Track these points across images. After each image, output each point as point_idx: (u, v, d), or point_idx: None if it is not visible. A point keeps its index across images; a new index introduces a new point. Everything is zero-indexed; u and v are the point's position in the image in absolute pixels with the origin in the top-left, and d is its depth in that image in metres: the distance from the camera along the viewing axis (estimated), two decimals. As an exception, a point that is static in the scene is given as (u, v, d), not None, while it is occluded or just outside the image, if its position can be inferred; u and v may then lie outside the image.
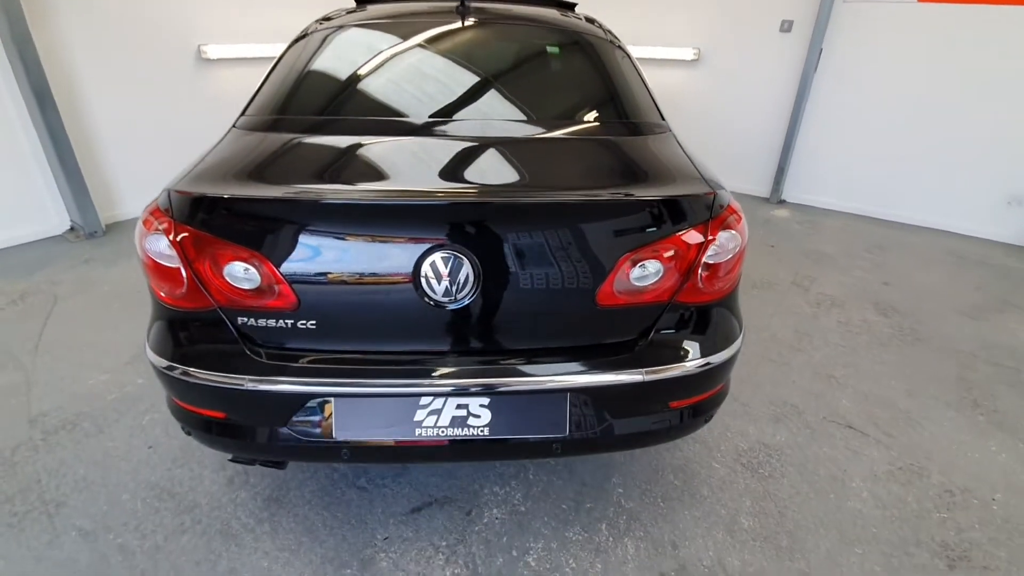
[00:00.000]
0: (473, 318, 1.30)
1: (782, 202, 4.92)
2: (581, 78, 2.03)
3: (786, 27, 4.47)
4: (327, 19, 2.15)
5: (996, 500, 1.89)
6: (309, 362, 1.30)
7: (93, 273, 3.32)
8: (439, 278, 1.22)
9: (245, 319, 1.29)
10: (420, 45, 2.00)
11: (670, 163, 1.54)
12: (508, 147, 1.57)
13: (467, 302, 1.26)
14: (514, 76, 1.97)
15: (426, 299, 1.25)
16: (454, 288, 1.24)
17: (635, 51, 5.31)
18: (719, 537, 1.72)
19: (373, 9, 2.21)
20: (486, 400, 1.31)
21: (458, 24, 2.02)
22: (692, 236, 1.32)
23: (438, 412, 1.30)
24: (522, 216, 1.29)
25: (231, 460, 1.55)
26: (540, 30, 2.14)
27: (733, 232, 1.37)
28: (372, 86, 1.88)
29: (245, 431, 1.36)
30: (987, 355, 2.69)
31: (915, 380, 2.50)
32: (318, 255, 1.25)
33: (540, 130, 1.74)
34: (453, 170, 1.44)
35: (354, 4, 2.39)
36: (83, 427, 2.10)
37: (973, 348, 2.75)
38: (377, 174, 1.44)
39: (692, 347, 1.38)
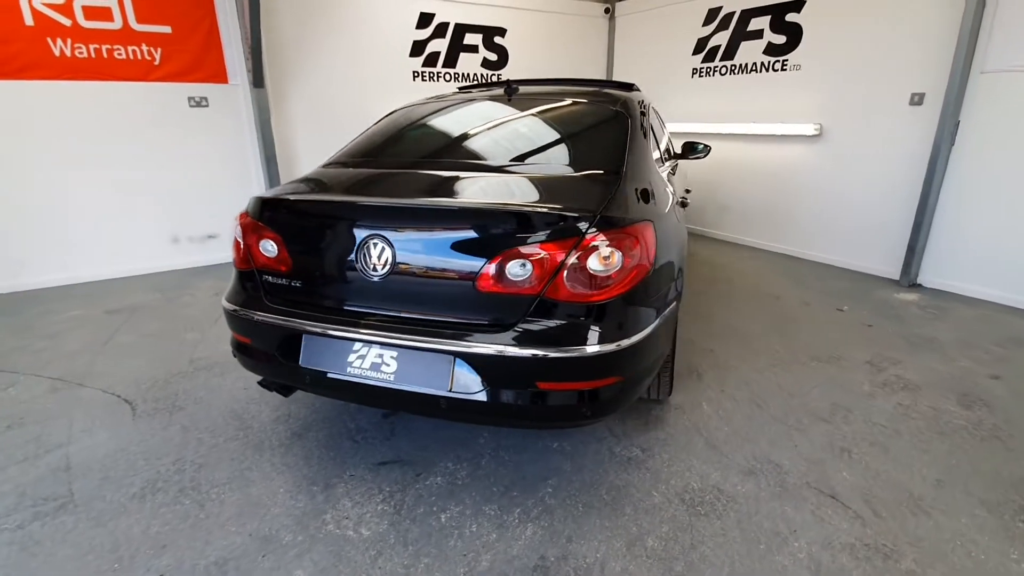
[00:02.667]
0: (390, 289, 1.77)
1: (916, 285, 4.35)
2: (569, 137, 2.45)
3: (916, 100, 4.19)
4: (408, 105, 2.96)
5: (977, 604, 1.60)
6: (294, 308, 1.90)
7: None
8: (369, 257, 1.75)
9: (267, 277, 1.97)
10: (469, 114, 2.70)
11: (590, 193, 1.85)
12: (465, 177, 2.06)
13: (385, 275, 1.75)
14: (516, 136, 2.50)
15: (360, 271, 1.78)
16: (378, 265, 1.74)
17: (754, 128, 5.37)
18: (616, 546, 1.81)
19: (448, 97, 2.97)
20: (395, 353, 1.75)
21: (505, 103, 2.66)
22: (560, 246, 1.62)
23: (363, 357, 1.78)
24: (422, 217, 1.79)
25: (259, 384, 2.21)
26: (552, 107, 2.65)
27: (609, 250, 1.63)
28: (413, 140, 2.61)
29: (259, 354, 2.01)
30: (1088, 469, 2.15)
31: (956, 473, 2.15)
32: (305, 235, 1.89)
33: (501, 166, 2.23)
34: (398, 187, 2.05)
35: (456, 89, 3.28)
36: (214, 370, 3.03)
37: (1072, 459, 2.22)
38: (366, 189, 2.06)
39: (556, 337, 1.63)
